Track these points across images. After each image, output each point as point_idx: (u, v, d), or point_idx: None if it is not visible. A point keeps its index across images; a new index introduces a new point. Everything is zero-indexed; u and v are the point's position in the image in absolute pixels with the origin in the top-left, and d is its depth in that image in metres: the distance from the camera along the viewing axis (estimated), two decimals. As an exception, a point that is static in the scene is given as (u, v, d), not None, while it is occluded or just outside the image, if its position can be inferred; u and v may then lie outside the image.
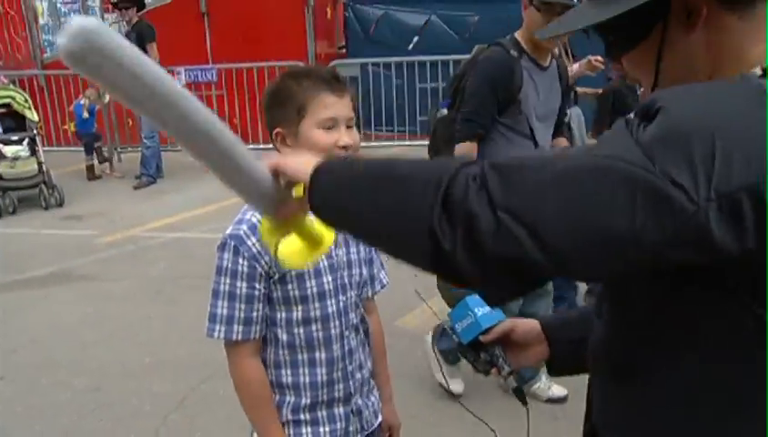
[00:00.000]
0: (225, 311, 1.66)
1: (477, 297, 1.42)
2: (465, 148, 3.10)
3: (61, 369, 4.04)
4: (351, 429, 1.78)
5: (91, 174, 8.33)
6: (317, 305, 1.68)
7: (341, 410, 1.76)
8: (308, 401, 1.72)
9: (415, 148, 8.35)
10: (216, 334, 1.66)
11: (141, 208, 7.21)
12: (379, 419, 1.88)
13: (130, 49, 0.86)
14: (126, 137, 9.05)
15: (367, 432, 1.82)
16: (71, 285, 5.31)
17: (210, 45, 9.09)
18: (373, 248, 1.82)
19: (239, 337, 1.65)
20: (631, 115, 0.89)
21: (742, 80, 0.91)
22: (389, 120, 8.64)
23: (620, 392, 1.08)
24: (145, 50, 7.59)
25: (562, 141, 3.48)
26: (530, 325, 1.41)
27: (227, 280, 1.66)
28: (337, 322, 1.71)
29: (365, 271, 1.80)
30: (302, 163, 1.06)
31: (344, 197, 1.00)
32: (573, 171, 0.83)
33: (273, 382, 1.73)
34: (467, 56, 9.38)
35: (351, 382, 1.76)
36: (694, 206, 0.78)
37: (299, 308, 1.68)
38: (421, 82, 8.35)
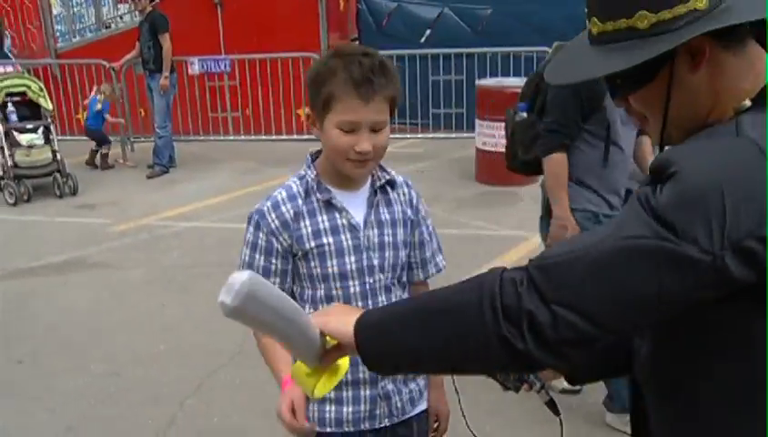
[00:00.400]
0: None
1: None
2: (555, 161, 3.00)
3: (78, 354, 4.08)
4: (378, 412, 1.77)
5: (105, 163, 8.37)
6: (338, 284, 1.70)
7: (367, 392, 1.75)
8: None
9: (427, 141, 8.37)
10: None
11: (154, 198, 7.25)
12: (419, 408, 1.85)
13: (275, 291, 1.13)
14: (140, 127, 9.08)
15: (399, 420, 1.80)
16: (86, 272, 5.35)
17: (223, 35, 9.10)
18: (425, 231, 1.83)
19: None
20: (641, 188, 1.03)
21: (739, 134, 1.03)
22: (401, 113, 8.63)
23: (666, 408, 1.16)
24: (157, 39, 7.68)
25: (646, 140, 3.25)
26: None
27: (248, 252, 1.73)
28: (360, 303, 1.70)
29: (402, 254, 1.77)
30: (342, 324, 1.13)
31: (395, 346, 1.09)
32: (603, 259, 0.98)
33: None
34: (480, 49, 9.32)
35: None
36: (710, 256, 0.94)
37: (322, 286, 1.71)
38: (434, 75, 8.35)
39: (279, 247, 1.69)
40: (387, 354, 1.11)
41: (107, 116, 8.30)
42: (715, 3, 1.08)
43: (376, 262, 1.72)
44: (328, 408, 1.76)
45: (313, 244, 1.68)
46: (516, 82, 7.48)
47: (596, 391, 3.32)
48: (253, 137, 8.92)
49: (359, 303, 1.71)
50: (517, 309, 0.99)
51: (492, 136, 7.14)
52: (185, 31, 8.24)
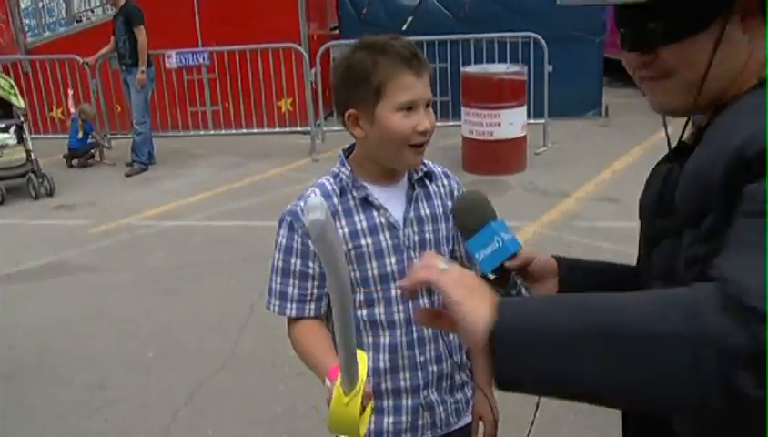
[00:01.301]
0: (279, 287, 1.63)
1: (501, 221, 1.33)
2: None
3: (61, 365, 3.89)
4: (420, 423, 1.67)
5: (85, 161, 8.13)
6: (379, 287, 1.60)
7: (409, 402, 1.65)
8: (371, 386, 1.58)
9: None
10: (271, 307, 1.65)
11: (134, 196, 7.02)
12: (465, 420, 1.76)
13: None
14: (117, 124, 8.82)
15: (443, 432, 1.70)
16: (67, 276, 5.14)
17: (200, 27, 8.85)
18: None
19: (293, 313, 1.63)
20: None
21: None
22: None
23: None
24: (132, 33, 7.43)
25: None
26: (547, 258, 1.34)
27: (282, 256, 1.62)
28: (401, 307, 1.61)
29: (446, 250, 1.66)
30: (473, 313, 0.86)
31: (558, 373, 0.83)
32: None
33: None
34: (463, 36, 9.24)
35: (421, 374, 1.64)
36: None
37: (362, 290, 1.61)
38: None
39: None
40: (540, 379, 0.85)
41: (94, 134, 8.09)
42: None
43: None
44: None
45: (351, 245, 1.58)
46: (501, 69, 7.35)
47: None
48: (234, 131, 8.70)
49: (401, 307, 1.61)
50: (754, 353, 0.76)
51: (480, 124, 6.99)
52: (160, 23, 7.98)
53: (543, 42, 7.56)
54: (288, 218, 1.61)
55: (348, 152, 1.66)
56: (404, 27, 8.83)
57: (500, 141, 6.94)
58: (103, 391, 3.65)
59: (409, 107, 1.52)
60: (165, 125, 8.71)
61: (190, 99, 8.73)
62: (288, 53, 8.36)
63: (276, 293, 1.63)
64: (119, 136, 8.79)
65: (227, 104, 8.71)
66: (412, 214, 1.62)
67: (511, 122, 6.95)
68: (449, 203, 1.68)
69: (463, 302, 0.89)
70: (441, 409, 1.69)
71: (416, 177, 1.64)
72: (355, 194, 1.59)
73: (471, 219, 1.34)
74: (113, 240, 5.83)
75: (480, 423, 1.77)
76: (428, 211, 1.64)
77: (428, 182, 1.67)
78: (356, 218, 1.59)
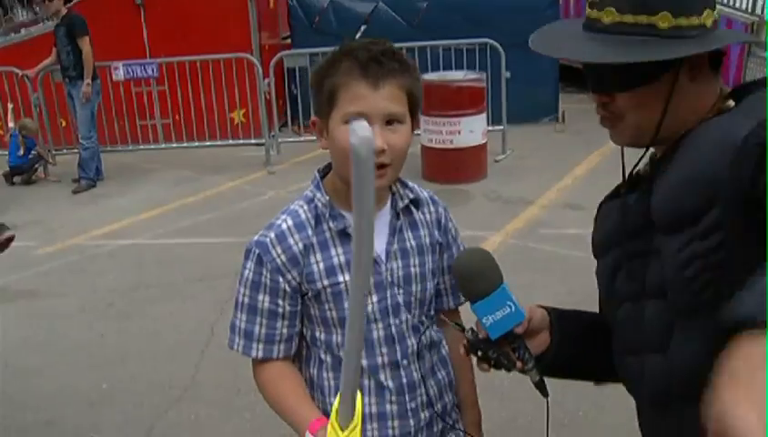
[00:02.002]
0: (244, 325, 1.45)
1: (506, 284, 1.28)
2: None
3: (5, 402, 3.61)
4: None
5: (29, 178, 7.77)
6: None
7: (396, 423, 1.47)
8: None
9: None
10: (235, 347, 1.47)
11: (83, 215, 6.71)
12: None
13: None
14: (61, 139, 8.47)
15: None
16: (9, 304, 4.82)
17: (147, 38, 8.56)
18: (450, 255, 1.55)
19: (259, 355, 1.45)
20: None
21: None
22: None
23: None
24: (76, 44, 7.12)
25: None
26: (542, 314, 1.38)
27: (248, 292, 1.44)
28: (384, 350, 1.44)
29: (430, 285, 1.50)
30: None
31: None
32: None
33: (319, 407, 1.45)
34: (419, 43, 9.16)
35: (412, 421, 1.48)
36: None
37: (338, 330, 1.44)
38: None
39: (287, 286, 1.41)
40: None
41: (37, 149, 7.75)
42: (715, 25, 1.20)
43: (401, 299, 1.44)
44: None
45: (326, 282, 1.40)
46: (460, 76, 7.26)
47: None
48: (186, 145, 8.42)
49: (384, 349, 1.44)
50: None
51: (439, 132, 6.89)
52: (106, 34, 7.69)
53: (500, 48, 7.50)
54: (257, 251, 1.42)
55: (323, 173, 1.47)
56: (357, 36, 8.70)
57: (461, 149, 6.84)
58: (52, 428, 3.39)
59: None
60: (113, 139, 8.39)
61: (139, 112, 8.43)
62: (240, 63, 8.14)
63: (240, 332, 1.46)
64: (65, 151, 8.44)
65: (177, 116, 8.43)
66: (396, 246, 1.44)
67: (471, 130, 6.86)
68: (437, 233, 1.51)
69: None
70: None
71: (401, 205, 1.46)
72: (332, 225, 1.41)
73: (482, 283, 1.27)
74: (60, 262, 5.53)
75: None
76: (413, 242, 1.47)
77: (414, 210, 1.49)
78: (332, 252, 1.41)
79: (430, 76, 7.20)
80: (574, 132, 8.42)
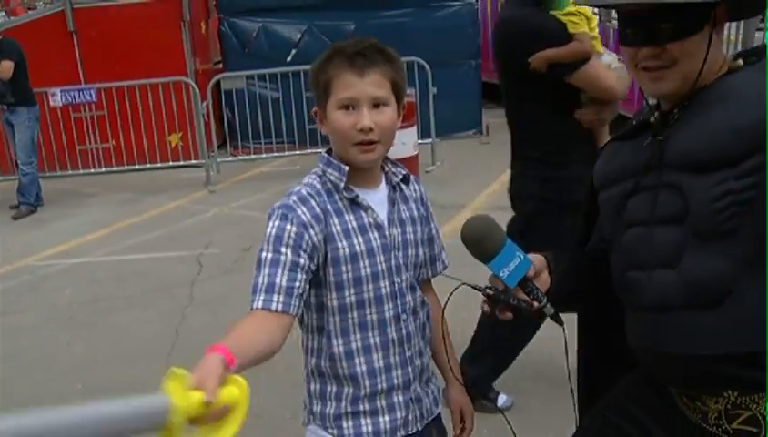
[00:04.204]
0: (267, 279, 1.52)
1: (510, 240, 1.52)
2: None
3: (-17, 406, 3.77)
4: (410, 418, 1.72)
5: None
6: (370, 287, 1.63)
7: (401, 398, 1.70)
8: (368, 390, 1.67)
9: (303, 157, 8.42)
10: (255, 304, 1.51)
11: (27, 238, 6.78)
12: (438, 409, 1.82)
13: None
14: (-4, 166, 8.46)
15: (426, 421, 1.76)
16: (-31, 322, 4.94)
17: (82, 64, 8.69)
18: (434, 228, 1.80)
19: (279, 308, 1.49)
20: None
21: None
22: (278, 132, 8.61)
23: (718, 314, 1.40)
24: (14, 71, 7.15)
25: None
26: (540, 257, 1.60)
27: (271, 247, 1.55)
28: (391, 305, 1.66)
29: (422, 252, 1.74)
30: None
31: None
32: None
33: (330, 374, 1.68)
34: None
35: (410, 368, 1.71)
36: None
37: (353, 291, 1.63)
38: (308, 91, 8.38)
39: (310, 240, 1.56)
40: None
41: None
42: None
43: (402, 261, 1.67)
44: (363, 421, 1.68)
45: (345, 244, 1.60)
46: (389, 93, 7.66)
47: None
48: (126, 168, 8.55)
49: (390, 304, 1.65)
50: None
51: (374, 146, 7.28)
52: (39, 61, 7.78)
53: (427, 66, 7.99)
54: (281, 211, 1.59)
55: (328, 153, 1.69)
56: (288, 59, 9.04)
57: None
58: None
59: (349, 106, 1.56)
60: (52, 165, 8.44)
61: (78, 137, 8.53)
62: (177, 87, 8.36)
63: (262, 287, 1.52)
64: None
65: (115, 141, 8.56)
66: (395, 215, 1.67)
67: (404, 142, 7.26)
68: (421, 208, 1.76)
69: None
70: (426, 400, 1.76)
71: (395, 179, 1.70)
72: (345, 194, 1.62)
73: (490, 243, 1.50)
74: (13, 282, 5.64)
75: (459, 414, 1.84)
76: (407, 214, 1.71)
77: (404, 186, 1.72)
78: (346, 218, 1.62)
79: (363, 94, 7.60)
80: (498, 143, 8.93)
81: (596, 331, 1.84)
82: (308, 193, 1.62)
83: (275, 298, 1.51)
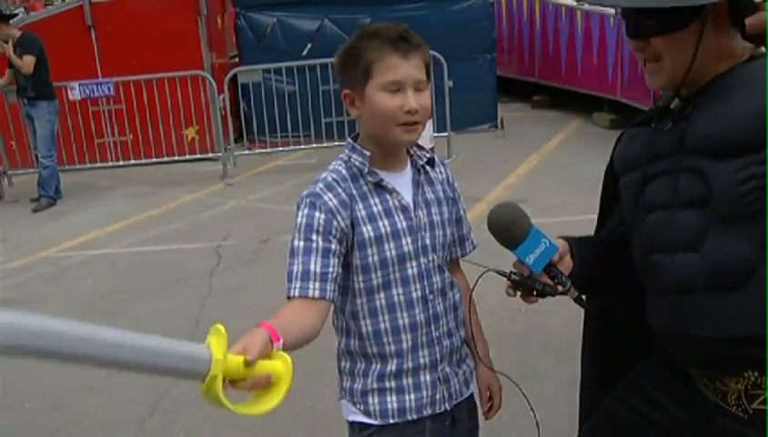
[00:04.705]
0: (301, 267, 1.58)
1: (536, 226, 1.56)
2: None
3: (9, 394, 3.83)
4: (438, 397, 1.74)
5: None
6: (396, 268, 1.66)
7: (428, 377, 1.72)
8: (394, 368, 1.70)
9: (319, 151, 8.46)
10: (291, 291, 1.57)
11: (47, 230, 6.87)
12: (471, 389, 1.85)
13: (50, 330, 0.97)
14: (17, 160, 8.56)
15: (456, 402, 1.79)
16: (-7, 311, 5.01)
17: (99, 58, 8.77)
18: (461, 209, 1.83)
19: (316, 294, 1.56)
20: None
21: None
22: (294, 125, 8.65)
23: (741, 296, 1.43)
24: (35, 66, 7.27)
25: None
26: (563, 243, 1.64)
27: (302, 236, 1.61)
28: (417, 285, 1.69)
29: (449, 232, 1.77)
30: None
31: None
32: None
33: (358, 352, 1.73)
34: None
35: (438, 349, 1.73)
36: None
37: (379, 273, 1.66)
38: (323, 84, 8.42)
39: (338, 225, 1.61)
40: None
41: None
42: None
43: (428, 242, 1.70)
44: (389, 398, 1.71)
45: (370, 227, 1.65)
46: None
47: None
48: (143, 161, 8.63)
49: (417, 285, 1.69)
50: None
51: (390, 139, 7.31)
52: (58, 56, 7.87)
53: (443, 59, 8.01)
54: (309, 199, 1.63)
55: (354, 139, 1.72)
56: (304, 53, 9.08)
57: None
58: (58, 412, 3.64)
59: (396, 88, 1.59)
60: (71, 159, 8.54)
61: (96, 131, 8.61)
62: (194, 81, 8.43)
63: (297, 275, 1.57)
64: (20, 172, 8.54)
65: (132, 135, 8.64)
66: (420, 197, 1.70)
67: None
68: (448, 189, 1.78)
69: None
70: (456, 381, 1.78)
71: (420, 162, 1.72)
72: (369, 179, 1.66)
73: (516, 230, 1.54)
74: (34, 273, 5.72)
75: (488, 392, 1.88)
76: (432, 195, 1.73)
77: (429, 169, 1.75)
78: (371, 202, 1.65)
79: (379, 88, 7.64)
80: (513, 136, 8.99)
81: (610, 318, 1.85)
82: (334, 179, 1.66)
83: (311, 285, 1.56)
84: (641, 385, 1.73)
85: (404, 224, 1.67)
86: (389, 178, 1.69)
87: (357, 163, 1.67)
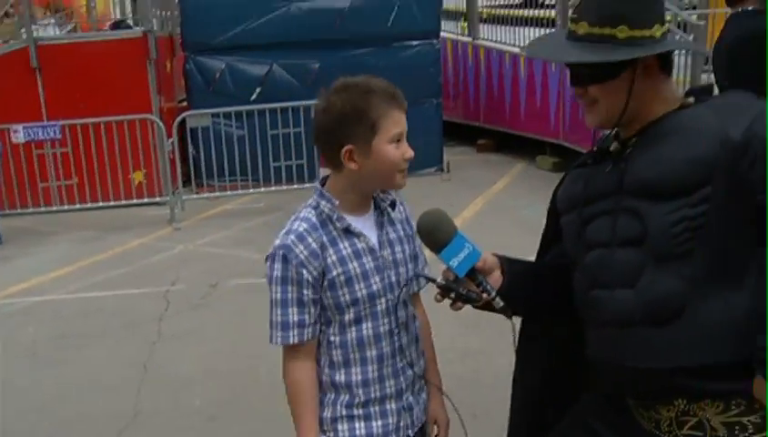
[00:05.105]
0: (279, 318, 1.78)
1: (461, 232, 1.67)
2: None
3: None
4: (402, 424, 1.87)
5: None
6: (367, 305, 1.80)
7: (393, 405, 1.86)
8: (362, 398, 1.82)
9: (267, 195, 8.49)
10: (274, 340, 1.80)
11: (-13, 276, 6.70)
12: (424, 417, 1.96)
13: None
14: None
15: (417, 428, 1.92)
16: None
17: (45, 101, 8.66)
18: (417, 245, 1.93)
19: (295, 340, 1.78)
20: None
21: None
22: (242, 170, 8.66)
23: (673, 330, 1.54)
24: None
25: None
26: (492, 256, 1.76)
27: (278, 288, 1.77)
28: (386, 320, 1.82)
29: (411, 268, 1.89)
30: None
31: None
32: None
33: (327, 382, 1.84)
34: (311, 102, 9.64)
35: (402, 379, 1.87)
36: None
37: (351, 310, 1.79)
38: (272, 129, 8.48)
39: (310, 277, 1.75)
40: None
41: None
42: (664, 37, 1.61)
43: (394, 279, 1.83)
44: (357, 425, 1.83)
45: (340, 270, 1.77)
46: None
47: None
48: (89, 205, 8.49)
49: (385, 320, 1.82)
50: None
51: (339, 182, 7.38)
52: (2, 98, 7.77)
53: (390, 105, 8.14)
54: (281, 252, 1.75)
55: (322, 184, 1.84)
56: (253, 97, 9.16)
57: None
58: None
59: (398, 139, 1.74)
60: (12, 203, 8.36)
61: (40, 175, 8.45)
62: (143, 125, 8.39)
63: (277, 325, 1.78)
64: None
65: (78, 178, 8.52)
66: (384, 238, 1.84)
67: (369, 179, 7.41)
68: (407, 227, 1.91)
69: None
70: (417, 409, 1.91)
71: (383, 205, 1.86)
72: (338, 224, 1.78)
73: (441, 234, 1.66)
74: (-26, 321, 5.56)
75: (435, 426, 1.99)
76: (395, 235, 1.87)
77: (391, 210, 1.89)
78: (341, 246, 1.78)
79: (328, 132, 7.72)
80: (459, 180, 9.17)
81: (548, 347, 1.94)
82: (305, 229, 1.78)
83: (290, 333, 1.78)
84: (583, 417, 1.83)
85: (372, 264, 1.80)
86: (356, 223, 1.81)
87: (326, 209, 1.79)
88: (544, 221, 1.97)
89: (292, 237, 1.76)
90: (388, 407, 1.85)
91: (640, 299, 1.57)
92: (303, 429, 1.80)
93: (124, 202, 8.50)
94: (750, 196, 1.49)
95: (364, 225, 1.83)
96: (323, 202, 1.80)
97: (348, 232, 1.80)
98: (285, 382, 1.84)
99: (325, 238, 1.78)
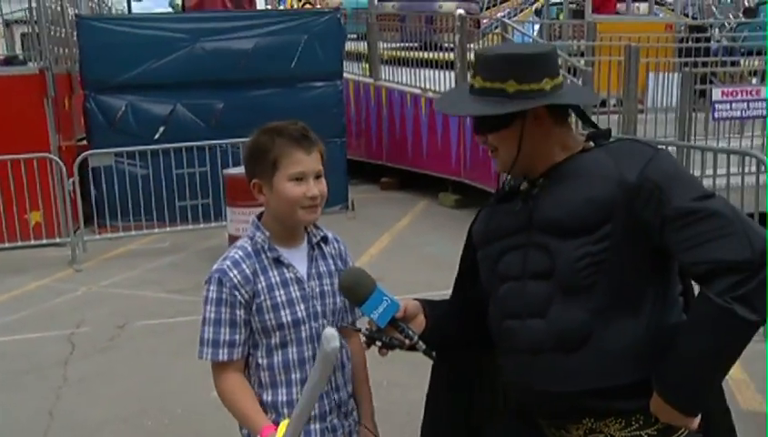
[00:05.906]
0: (211, 336, 1.92)
1: (380, 287, 1.83)
2: None
3: None
4: None
5: None
6: (291, 331, 1.94)
7: (317, 426, 1.98)
8: (286, 418, 1.87)
9: (172, 235, 8.43)
10: (204, 355, 1.93)
11: None
12: None
13: None
14: None
15: None
16: None
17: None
18: None
19: (224, 358, 1.92)
20: None
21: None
22: (147, 209, 8.53)
23: (580, 356, 1.72)
24: None
25: None
26: (414, 303, 1.91)
27: (213, 308, 1.92)
28: (309, 346, 1.96)
29: (339, 300, 2.02)
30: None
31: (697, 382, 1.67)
32: None
33: (257, 402, 1.95)
34: (216, 142, 9.65)
35: (326, 401, 1.99)
36: None
37: (277, 334, 1.94)
38: (177, 168, 8.44)
39: (242, 299, 1.91)
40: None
41: None
42: (555, 89, 1.74)
43: (319, 309, 1.98)
44: None
45: (267, 296, 1.92)
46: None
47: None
48: (-20, 248, 8.17)
49: (309, 345, 1.96)
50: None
51: (247, 221, 7.32)
52: None
53: (296, 145, 8.28)
54: (217, 276, 1.91)
55: (258, 218, 2.01)
56: (156, 136, 9.09)
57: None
58: None
59: (299, 178, 1.89)
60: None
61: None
62: (42, 164, 8.17)
63: (208, 342, 1.92)
64: None
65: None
66: (314, 270, 1.99)
67: (276, 218, 7.49)
68: (339, 262, 2.06)
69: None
70: (341, 431, 2.03)
71: (314, 240, 2.02)
72: (269, 255, 1.94)
73: (361, 289, 1.81)
74: None
75: None
76: (324, 268, 2.02)
77: (323, 245, 2.05)
78: (270, 274, 1.93)
79: (234, 171, 7.76)
80: (364, 218, 9.37)
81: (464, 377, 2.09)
82: (240, 257, 1.94)
83: (220, 351, 1.92)
84: None
85: (298, 293, 1.95)
86: (287, 254, 1.97)
87: (260, 240, 1.96)
88: (448, 257, 2.15)
89: (228, 262, 1.92)
90: (311, 427, 1.96)
91: (551, 327, 1.72)
92: (251, 418, 1.89)
93: (20, 243, 8.22)
94: (645, 233, 1.64)
95: (294, 256, 1.97)
96: (258, 233, 1.96)
97: (278, 262, 1.95)
98: (219, 395, 1.96)
99: (257, 266, 1.93)
